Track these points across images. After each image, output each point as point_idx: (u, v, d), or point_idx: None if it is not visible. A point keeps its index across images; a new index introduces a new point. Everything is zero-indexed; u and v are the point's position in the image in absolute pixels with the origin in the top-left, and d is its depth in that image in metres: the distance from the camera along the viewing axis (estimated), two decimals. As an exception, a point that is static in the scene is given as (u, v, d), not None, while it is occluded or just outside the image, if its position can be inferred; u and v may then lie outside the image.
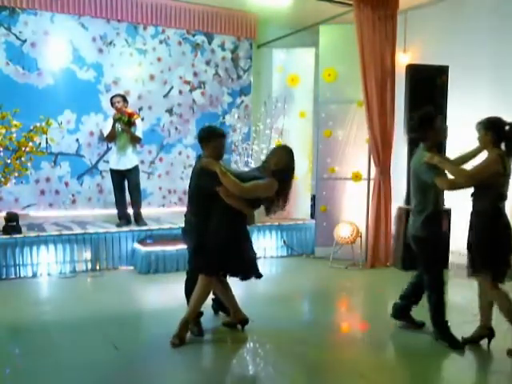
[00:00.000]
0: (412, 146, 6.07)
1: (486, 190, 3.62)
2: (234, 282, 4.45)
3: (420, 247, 3.96)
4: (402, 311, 4.23)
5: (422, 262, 4.01)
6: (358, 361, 3.68)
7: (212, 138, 3.94)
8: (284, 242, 7.03)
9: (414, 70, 6.18)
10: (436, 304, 3.89)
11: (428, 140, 3.84)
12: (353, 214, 6.67)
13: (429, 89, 6.09)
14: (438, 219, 3.97)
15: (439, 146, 4.12)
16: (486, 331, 3.86)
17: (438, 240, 3.95)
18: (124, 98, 6.42)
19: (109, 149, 7.09)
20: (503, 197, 3.65)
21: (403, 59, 7.23)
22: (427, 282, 3.95)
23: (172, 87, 7.88)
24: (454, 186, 3.71)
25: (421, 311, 4.12)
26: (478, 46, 6.50)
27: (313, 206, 7.32)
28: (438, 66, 6.20)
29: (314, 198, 7.26)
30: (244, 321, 4.11)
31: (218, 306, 4.40)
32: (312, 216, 7.33)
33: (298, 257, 6.96)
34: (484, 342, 3.85)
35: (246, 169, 7.56)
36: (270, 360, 3.66)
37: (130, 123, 6.23)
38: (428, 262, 3.95)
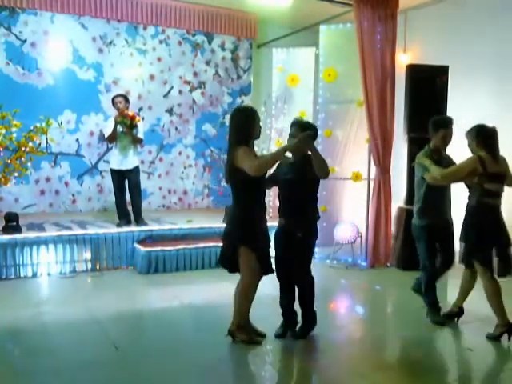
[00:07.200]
0: (412, 145, 6.12)
1: (472, 188, 3.96)
2: (231, 283, 4.46)
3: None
4: None
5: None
6: (358, 361, 3.68)
7: None
8: None
9: (413, 70, 6.18)
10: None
11: (433, 142, 4.27)
12: (353, 214, 6.67)
13: (429, 89, 6.09)
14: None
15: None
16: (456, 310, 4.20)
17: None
18: (126, 99, 6.41)
19: (109, 149, 7.09)
20: (490, 194, 3.87)
21: (403, 59, 7.23)
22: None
23: (172, 87, 7.89)
24: (435, 180, 4.02)
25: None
26: (478, 45, 6.50)
27: (313, 206, 7.30)
28: (438, 66, 6.20)
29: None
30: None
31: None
32: (312, 216, 7.31)
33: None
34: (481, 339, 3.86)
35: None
36: (268, 360, 3.66)
37: (131, 126, 6.22)
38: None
